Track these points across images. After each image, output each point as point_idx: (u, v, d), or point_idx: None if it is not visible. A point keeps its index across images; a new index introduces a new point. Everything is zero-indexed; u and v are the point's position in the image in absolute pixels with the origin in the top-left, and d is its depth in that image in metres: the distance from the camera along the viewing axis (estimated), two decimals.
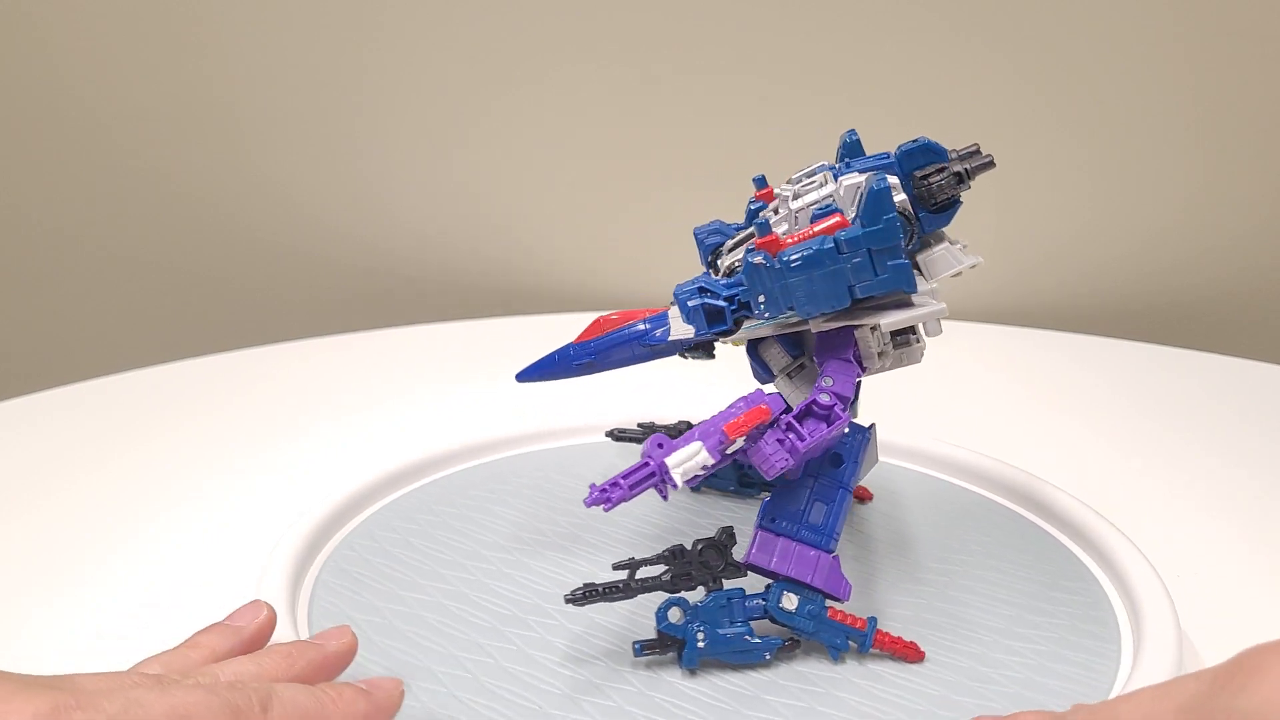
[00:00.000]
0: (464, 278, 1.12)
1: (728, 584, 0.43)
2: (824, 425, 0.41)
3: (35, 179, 1.15)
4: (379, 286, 1.14)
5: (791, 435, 0.40)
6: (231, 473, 0.66)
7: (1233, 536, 0.56)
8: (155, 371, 0.86)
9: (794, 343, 0.47)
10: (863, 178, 0.42)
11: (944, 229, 0.44)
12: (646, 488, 0.39)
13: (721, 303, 0.43)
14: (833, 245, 0.40)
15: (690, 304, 0.43)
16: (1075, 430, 0.72)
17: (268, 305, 1.17)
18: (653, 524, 0.55)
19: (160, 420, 0.76)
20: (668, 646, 0.43)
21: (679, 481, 0.39)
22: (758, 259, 0.41)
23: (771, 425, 0.41)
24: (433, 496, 0.58)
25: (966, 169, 0.42)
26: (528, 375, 0.51)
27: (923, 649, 0.43)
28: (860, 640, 0.42)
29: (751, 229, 0.47)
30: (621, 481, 0.39)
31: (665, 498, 0.40)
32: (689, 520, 0.55)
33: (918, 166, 0.43)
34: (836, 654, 0.43)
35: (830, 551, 0.42)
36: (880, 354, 0.44)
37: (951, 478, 0.59)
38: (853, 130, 0.46)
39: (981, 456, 0.59)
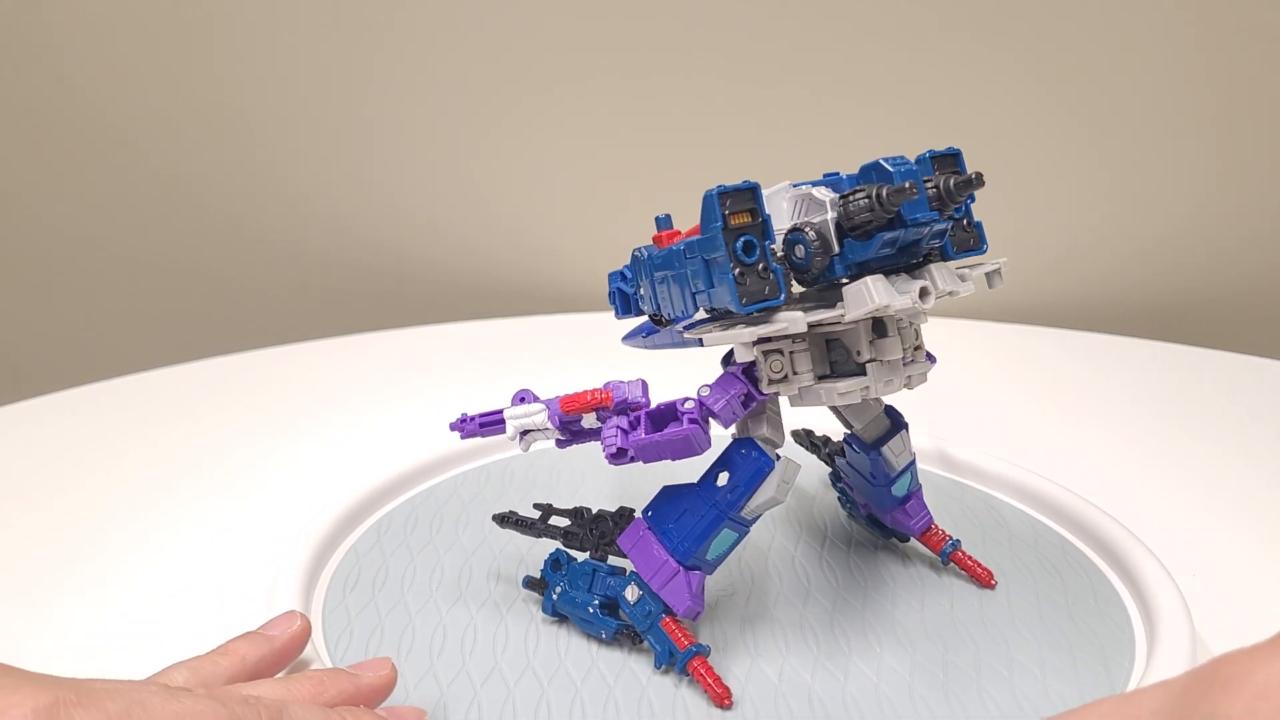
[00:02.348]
0: (475, 278, 1.12)
1: (615, 560, 0.44)
2: (674, 428, 0.40)
3: (46, 181, 1.16)
4: (389, 287, 1.14)
5: (637, 429, 0.40)
6: (243, 473, 0.66)
7: (1246, 536, 0.56)
8: (167, 373, 0.86)
9: None
10: (812, 189, 0.39)
11: (943, 263, 0.39)
12: (493, 431, 0.44)
13: (630, 290, 0.43)
14: (682, 249, 0.38)
15: (611, 289, 0.44)
16: (1087, 429, 0.71)
17: (279, 306, 1.17)
18: None
19: (172, 421, 0.76)
20: (539, 589, 0.46)
21: (510, 432, 0.43)
22: (640, 251, 0.41)
23: (626, 412, 0.41)
24: (435, 499, 0.58)
25: (880, 193, 0.36)
26: (629, 337, 0.51)
27: (730, 700, 0.40)
28: (678, 659, 0.41)
29: None
30: (475, 418, 0.44)
31: (522, 449, 0.44)
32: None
33: (863, 185, 0.38)
34: (659, 663, 0.42)
35: (682, 562, 0.41)
36: (775, 381, 0.39)
37: (959, 478, 0.59)
38: (937, 150, 0.41)
39: (991, 457, 0.58)
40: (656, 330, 0.48)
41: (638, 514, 0.43)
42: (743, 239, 0.36)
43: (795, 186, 0.39)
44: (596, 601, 0.44)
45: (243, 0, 1.04)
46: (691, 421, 0.40)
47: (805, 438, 0.56)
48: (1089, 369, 0.84)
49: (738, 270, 0.36)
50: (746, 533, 0.42)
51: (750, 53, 0.97)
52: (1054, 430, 0.71)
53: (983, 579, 0.48)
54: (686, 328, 0.42)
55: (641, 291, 0.42)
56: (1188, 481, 0.63)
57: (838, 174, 0.41)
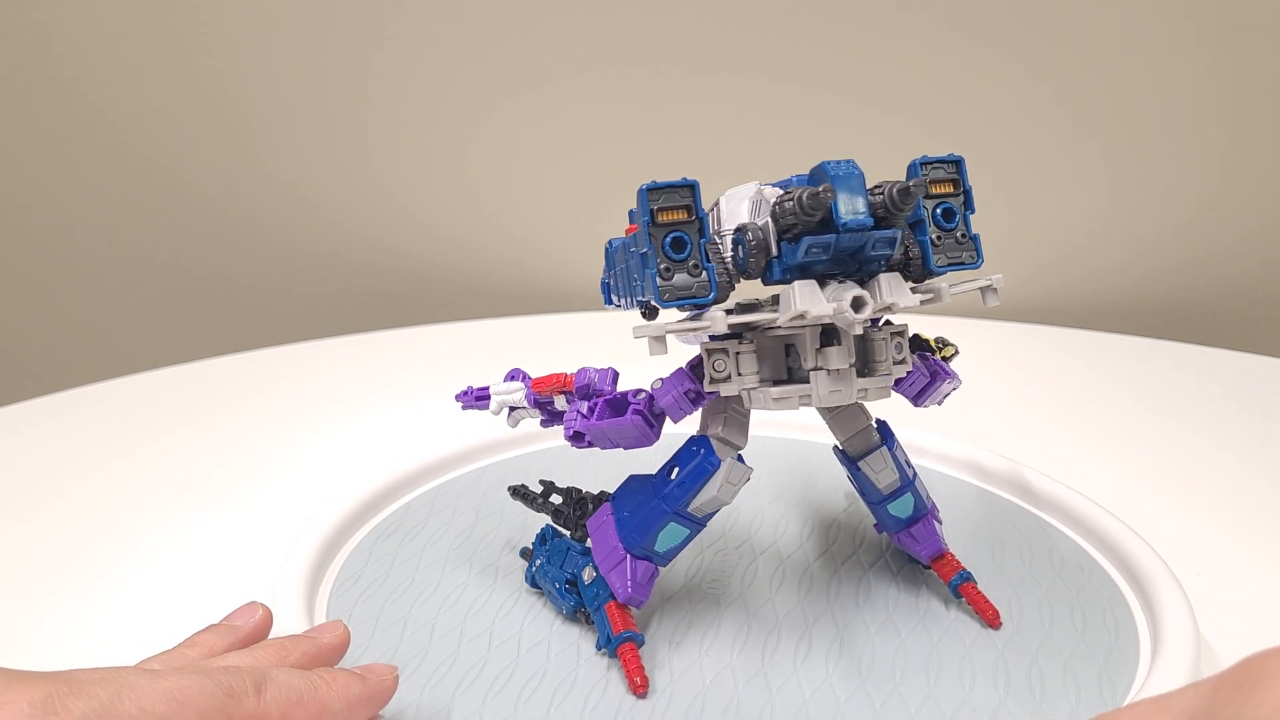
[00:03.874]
0: (477, 278, 1.12)
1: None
2: (619, 417, 0.41)
3: (46, 181, 1.16)
4: (392, 287, 1.14)
5: (591, 414, 0.42)
6: (244, 473, 0.66)
7: (1249, 535, 0.56)
8: (170, 372, 0.86)
9: None
10: (764, 189, 0.39)
11: (943, 272, 0.39)
12: (480, 406, 0.48)
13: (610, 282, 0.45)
14: (629, 242, 0.39)
15: (601, 279, 0.45)
16: (1089, 428, 0.71)
17: (281, 306, 1.17)
18: None
19: (176, 421, 0.76)
20: (528, 559, 0.49)
21: (493, 407, 0.47)
22: (610, 242, 0.42)
23: (590, 397, 0.43)
24: (438, 501, 0.58)
25: (803, 197, 0.35)
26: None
27: (645, 689, 0.40)
28: (610, 641, 0.42)
29: None
30: (469, 392, 0.49)
31: (512, 425, 0.47)
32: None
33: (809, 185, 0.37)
34: (599, 645, 0.43)
35: (629, 550, 0.42)
36: (717, 380, 0.39)
37: (963, 476, 0.59)
38: (954, 155, 0.40)
39: (993, 454, 0.58)
40: None
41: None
42: (672, 235, 0.37)
43: (762, 187, 0.39)
44: (564, 579, 0.45)
45: (244, 2, 1.04)
46: (635, 412, 0.41)
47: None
48: (1090, 368, 0.84)
49: (664, 265, 0.37)
50: (699, 530, 0.42)
51: (752, 52, 0.97)
52: (1055, 429, 0.71)
53: (988, 618, 0.45)
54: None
55: (609, 280, 0.43)
56: (1190, 480, 0.63)
57: (805, 175, 0.40)
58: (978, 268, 0.40)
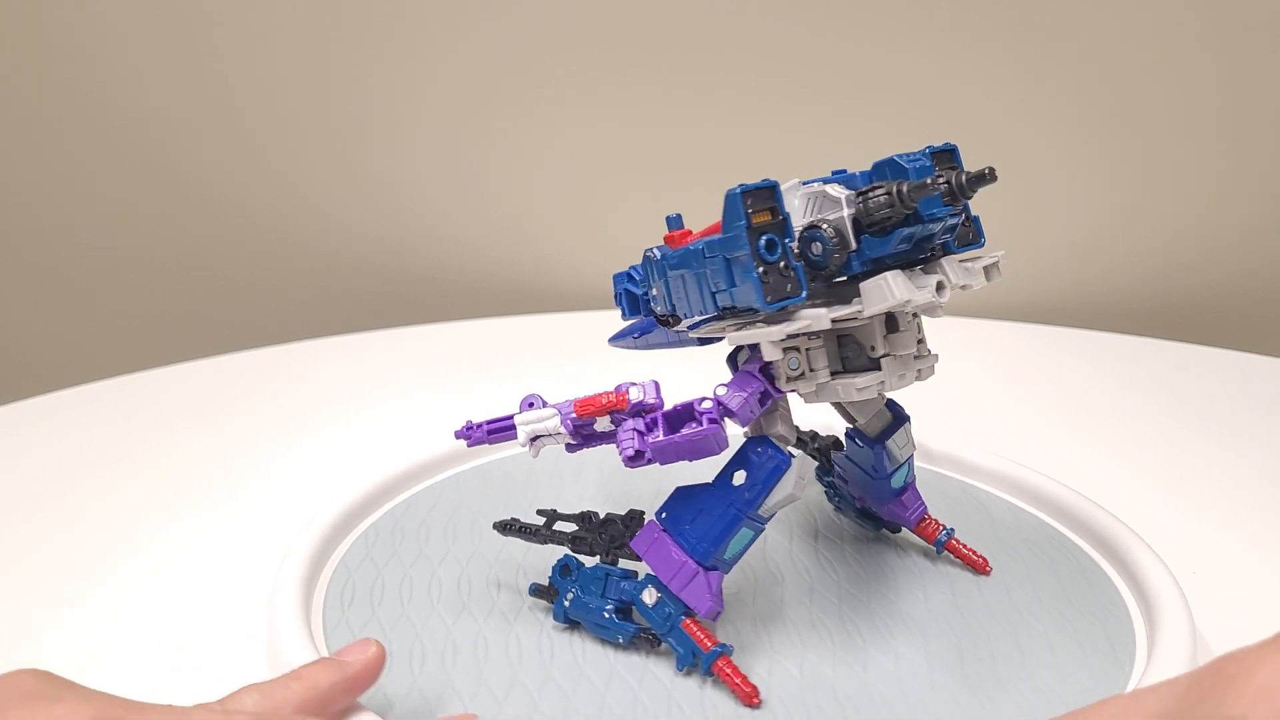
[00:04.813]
0: (477, 278, 1.12)
1: (625, 564, 0.43)
2: (693, 428, 0.40)
3: (46, 181, 1.16)
4: (391, 287, 1.14)
5: (654, 430, 0.40)
6: (245, 472, 0.66)
7: (1248, 534, 0.56)
8: (168, 371, 0.86)
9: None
10: (825, 186, 0.39)
11: (945, 258, 0.40)
12: (503, 437, 0.44)
13: (638, 291, 0.43)
14: (702, 248, 0.38)
15: (616, 289, 0.44)
16: (1089, 427, 0.71)
17: (281, 306, 1.17)
18: None
19: (175, 420, 0.76)
20: (549, 596, 0.45)
21: (522, 439, 0.42)
22: (652, 251, 0.41)
23: (643, 414, 0.41)
24: (436, 500, 0.58)
25: (903, 190, 0.36)
26: (612, 340, 0.51)
27: (758, 698, 0.40)
28: (701, 660, 0.41)
29: None
30: (483, 425, 0.44)
31: (531, 454, 0.43)
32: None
33: (877, 182, 0.38)
34: (681, 665, 0.41)
35: (701, 563, 0.41)
36: (793, 379, 0.40)
37: (961, 476, 0.59)
38: (949, 143, 0.41)
39: (992, 455, 0.58)
40: (648, 330, 0.48)
41: (649, 516, 0.43)
42: (765, 237, 0.37)
43: (806, 184, 0.39)
44: (611, 606, 0.43)
45: (246, 1, 1.04)
46: (711, 421, 0.40)
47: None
48: (1091, 368, 0.84)
49: (761, 269, 0.36)
50: (762, 530, 0.42)
51: (755, 52, 0.97)
52: (1054, 429, 0.71)
53: (978, 566, 0.48)
54: (691, 327, 0.42)
55: (654, 292, 0.42)
56: (1190, 480, 0.63)
57: (845, 170, 0.41)
58: (981, 247, 0.41)
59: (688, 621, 0.41)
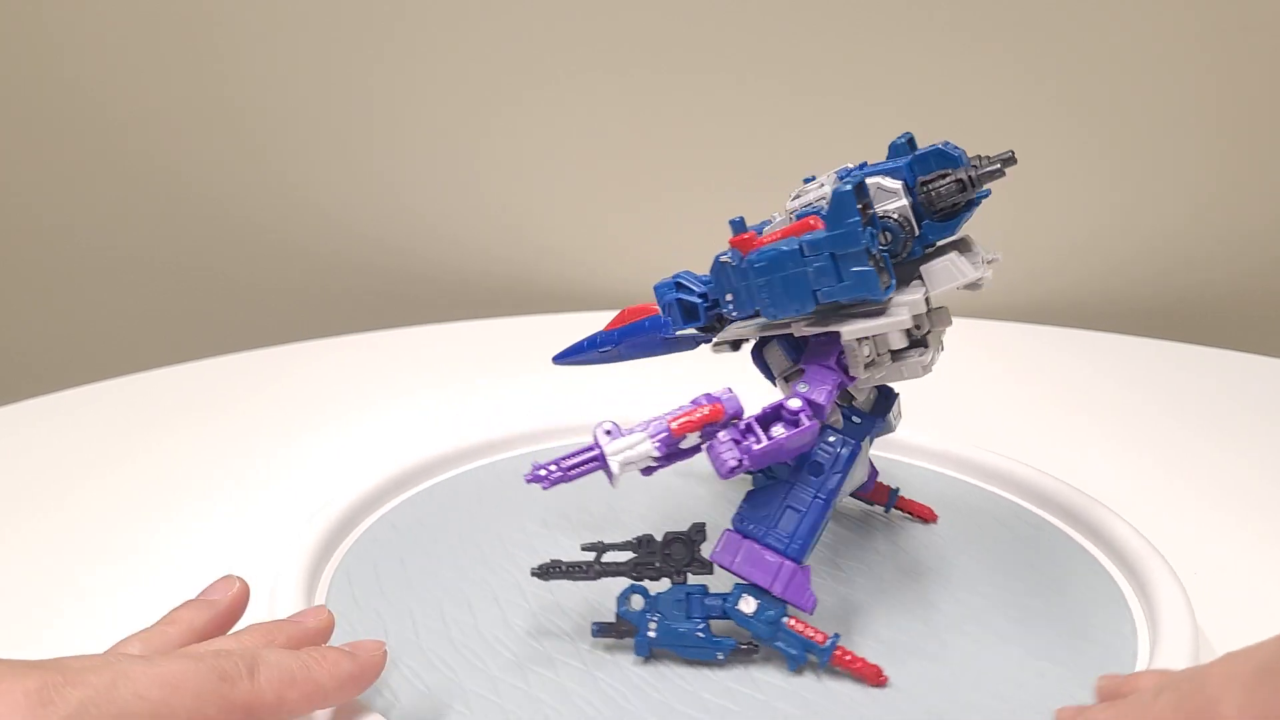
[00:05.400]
0: (478, 277, 1.12)
1: (693, 579, 0.43)
2: (789, 430, 0.40)
3: (45, 180, 1.16)
4: (392, 287, 1.14)
5: (750, 437, 0.39)
6: (245, 473, 0.66)
7: (1249, 533, 0.56)
8: (168, 372, 0.86)
9: (795, 346, 0.46)
10: (879, 179, 0.41)
11: (969, 236, 0.43)
12: (586, 471, 0.40)
13: (695, 299, 0.43)
14: (797, 247, 0.39)
15: (666, 299, 0.44)
16: (1089, 427, 0.71)
17: (281, 306, 1.17)
18: (665, 521, 0.54)
19: (175, 420, 0.76)
20: (624, 632, 0.43)
21: (616, 469, 0.39)
22: (725, 257, 0.41)
23: (730, 424, 0.40)
24: (436, 500, 0.58)
25: (970, 176, 0.40)
26: (562, 358, 0.53)
27: (885, 675, 0.41)
28: (819, 654, 0.41)
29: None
30: (561, 463, 0.40)
31: (611, 484, 0.40)
32: (714, 521, 0.54)
33: (928, 172, 0.41)
34: (795, 665, 0.42)
35: (796, 560, 0.41)
36: (870, 364, 0.42)
37: (964, 475, 0.59)
38: (907, 133, 0.44)
39: (994, 454, 0.58)
40: (603, 345, 0.50)
41: (726, 527, 0.43)
42: (868, 231, 0.39)
43: (843, 178, 0.42)
44: (701, 625, 0.42)
45: (246, 0, 1.04)
46: (810, 419, 0.40)
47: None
48: (1090, 367, 0.84)
49: (873, 262, 0.39)
50: None
51: (753, 52, 0.97)
52: (1055, 428, 0.71)
53: (926, 515, 0.53)
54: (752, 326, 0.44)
55: (728, 298, 0.42)
56: (1191, 479, 0.63)
57: (847, 167, 0.44)
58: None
59: (792, 621, 0.41)
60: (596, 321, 0.51)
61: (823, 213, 0.40)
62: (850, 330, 0.40)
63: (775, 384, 0.47)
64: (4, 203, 1.17)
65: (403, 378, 0.84)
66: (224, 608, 0.40)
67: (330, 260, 1.14)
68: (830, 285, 0.39)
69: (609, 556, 0.43)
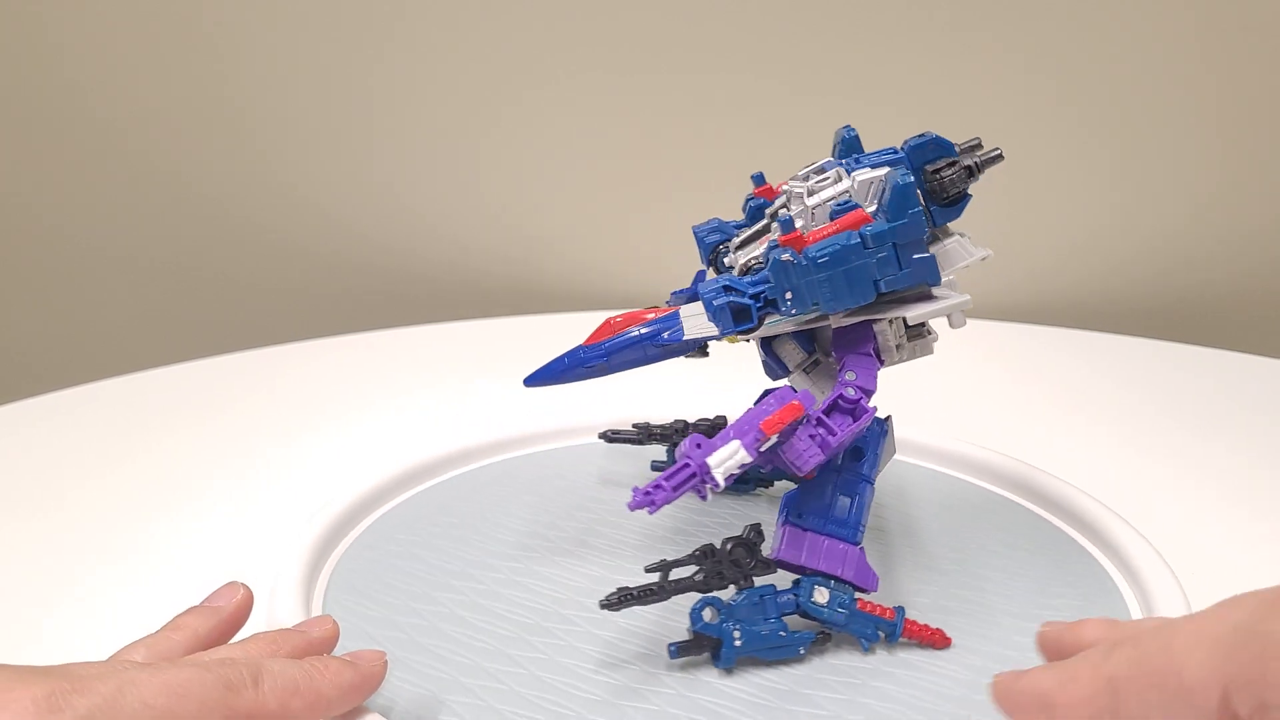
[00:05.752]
0: (476, 277, 1.12)
1: (757, 581, 0.43)
2: (850, 419, 0.41)
3: (44, 180, 1.16)
4: (392, 286, 1.14)
5: (822, 430, 0.41)
6: (244, 473, 0.66)
7: (1246, 532, 0.56)
8: (167, 371, 0.86)
9: (808, 338, 0.47)
10: (877, 173, 0.43)
11: (950, 223, 0.45)
12: (689, 488, 0.39)
13: (747, 300, 0.43)
14: (858, 240, 0.41)
15: (716, 303, 0.43)
16: (1088, 427, 0.71)
17: (281, 305, 1.17)
18: (657, 524, 0.55)
19: (174, 420, 0.76)
20: (703, 647, 0.42)
21: (720, 481, 0.38)
22: (785, 255, 0.42)
23: (802, 422, 0.41)
24: (436, 501, 0.58)
25: (976, 162, 0.43)
26: (536, 380, 0.49)
27: (949, 638, 0.43)
28: (889, 630, 0.43)
29: (757, 226, 0.48)
30: (664, 484, 0.38)
31: (704, 498, 0.39)
32: (693, 520, 0.55)
33: (927, 161, 0.43)
34: (867, 645, 0.43)
35: (857, 543, 0.43)
36: (898, 347, 0.45)
37: (964, 474, 0.59)
38: (849, 126, 0.46)
39: (994, 453, 0.58)
40: (590, 361, 0.48)
41: (782, 524, 0.44)
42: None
43: (850, 172, 0.43)
44: (779, 625, 0.42)
45: (245, 1, 1.04)
46: (865, 409, 0.42)
47: (641, 431, 0.59)
48: (1089, 367, 0.84)
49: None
50: None
51: (752, 54, 0.97)
52: (1054, 428, 0.71)
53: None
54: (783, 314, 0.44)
55: (788, 296, 0.42)
56: (1188, 478, 0.63)
57: (831, 160, 0.46)
58: None
59: (861, 602, 0.43)
60: (596, 322, 0.50)
61: (879, 204, 0.42)
62: (916, 313, 0.42)
63: (788, 376, 0.48)
64: (3, 203, 1.17)
65: (401, 378, 0.84)
66: (228, 614, 0.40)
67: (329, 260, 1.14)
68: (893, 274, 0.41)
69: (681, 573, 0.42)
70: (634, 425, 0.59)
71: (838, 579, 0.43)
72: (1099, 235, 0.98)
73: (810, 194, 0.44)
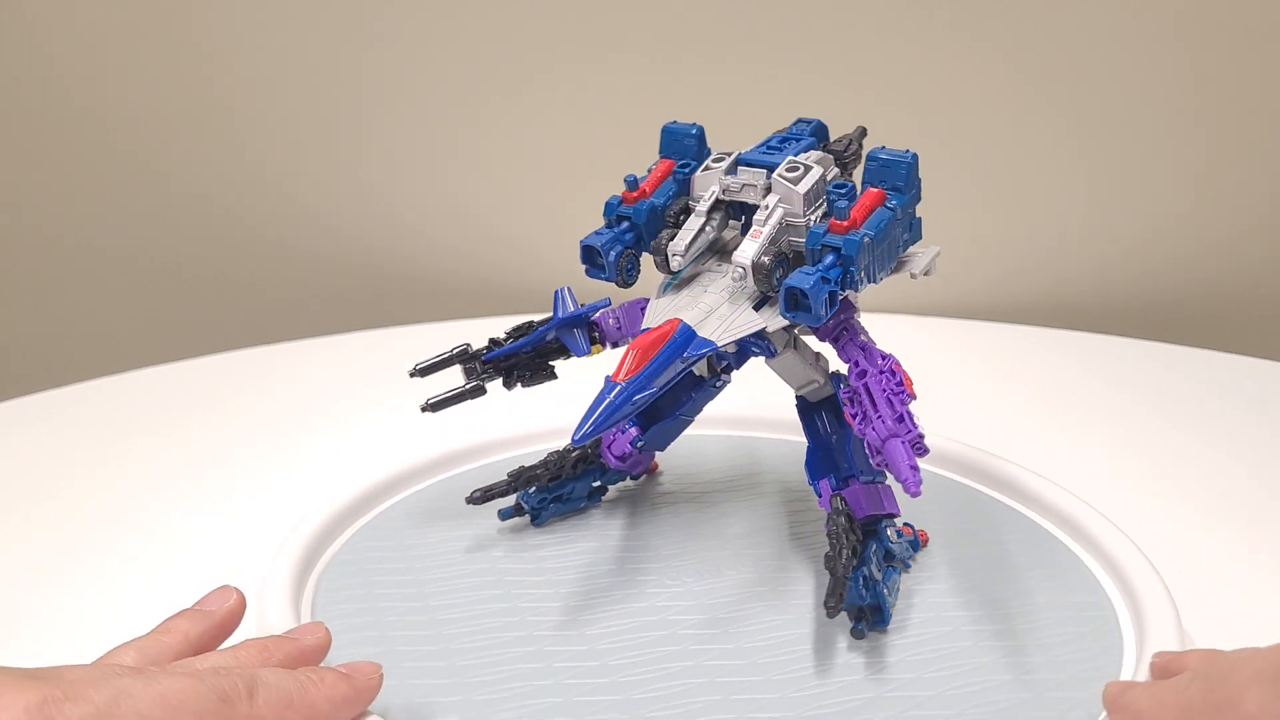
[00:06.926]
0: (471, 278, 1.12)
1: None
2: (901, 386, 0.44)
3: (38, 180, 1.15)
4: (379, 286, 1.14)
5: (908, 425, 0.43)
6: (236, 473, 0.66)
7: (1235, 535, 0.56)
8: (158, 371, 0.86)
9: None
10: (820, 154, 0.47)
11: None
12: (919, 453, 0.42)
13: (835, 286, 0.44)
14: (892, 214, 0.44)
15: (823, 292, 0.43)
16: (1075, 428, 0.72)
17: (269, 305, 1.17)
18: (654, 522, 0.55)
19: (165, 420, 0.76)
20: (874, 616, 0.45)
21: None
22: (866, 237, 0.43)
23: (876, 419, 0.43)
24: (428, 503, 0.58)
25: (856, 138, 0.48)
26: (591, 433, 0.42)
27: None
28: (915, 545, 0.50)
29: (701, 223, 0.50)
30: (909, 464, 0.41)
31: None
32: (685, 518, 0.55)
33: (825, 140, 0.48)
34: (912, 552, 0.49)
35: (885, 481, 0.47)
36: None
37: (950, 474, 0.59)
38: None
39: (980, 452, 0.58)
40: (636, 394, 0.43)
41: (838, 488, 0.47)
42: None
43: (789, 156, 0.46)
44: (887, 564, 0.46)
45: (233, 2, 1.04)
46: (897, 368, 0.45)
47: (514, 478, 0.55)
48: (1075, 367, 0.84)
49: None
50: None
51: (747, 55, 0.97)
52: (1043, 428, 0.71)
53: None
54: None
55: (861, 275, 0.44)
56: (1176, 480, 0.63)
57: (769, 141, 0.50)
58: None
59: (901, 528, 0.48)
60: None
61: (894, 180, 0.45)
62: (922, 266, 0.46)
63: (775, 358, 0.49)
64: None
65: (395, 378, 0.84)
66: (220, 619, 0.40)
67: (322, 260, 1.14)
68: (907, 238, 0.46)
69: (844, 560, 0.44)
70: (507, 475, 0.55)
71: (886, 515, 0.47)
72: (1087, 235, 0.99)
73: (796, 183, 0.45)
